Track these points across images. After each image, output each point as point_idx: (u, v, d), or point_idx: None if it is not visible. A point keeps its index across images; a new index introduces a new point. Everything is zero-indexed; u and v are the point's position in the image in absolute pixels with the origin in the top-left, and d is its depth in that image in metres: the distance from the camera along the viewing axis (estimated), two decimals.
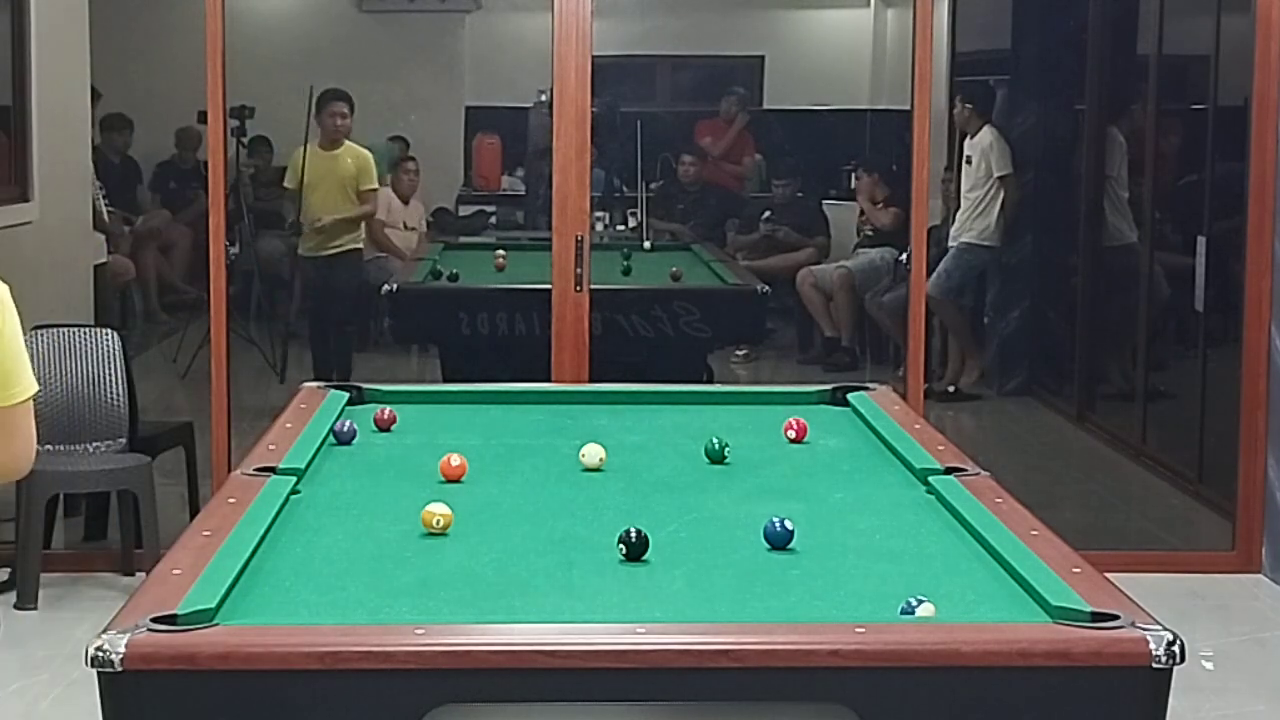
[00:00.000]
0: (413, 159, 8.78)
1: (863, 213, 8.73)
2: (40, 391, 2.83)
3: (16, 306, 2.90)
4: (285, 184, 8.45)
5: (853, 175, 8.92)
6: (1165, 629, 2.71)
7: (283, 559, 3.26)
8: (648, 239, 8.73)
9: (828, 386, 4.99)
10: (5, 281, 2.92)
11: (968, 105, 8.49)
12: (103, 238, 8.14)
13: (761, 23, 9.69)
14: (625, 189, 8.88)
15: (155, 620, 2.70)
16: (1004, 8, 9.27)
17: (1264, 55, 6.45)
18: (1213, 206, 7.39)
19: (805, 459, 4.29)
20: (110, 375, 6.28)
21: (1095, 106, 8.68)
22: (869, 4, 9.49)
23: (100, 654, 2.61)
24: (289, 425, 4.39)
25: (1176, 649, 2.67)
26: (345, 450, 4.30)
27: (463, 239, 8.97)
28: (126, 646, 2.62)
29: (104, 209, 8.13)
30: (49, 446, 6.15)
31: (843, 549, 3.39)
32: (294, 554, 3.30)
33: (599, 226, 8.33)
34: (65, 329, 6.32)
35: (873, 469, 4.14)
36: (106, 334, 6.38)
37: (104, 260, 8.16)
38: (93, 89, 8.03)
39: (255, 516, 3.43)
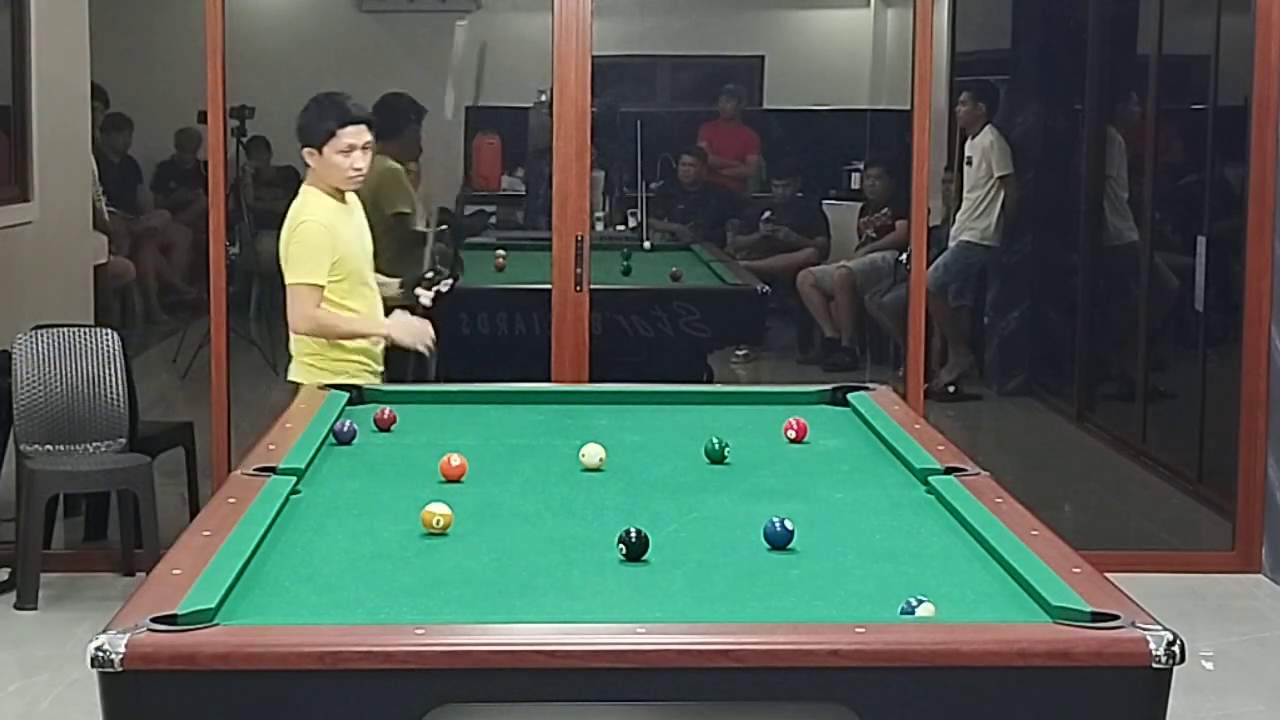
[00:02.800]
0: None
1: (868, 231, 8.73)
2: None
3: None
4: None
5: (860, 184, 8.91)
6: (1165, 629, 2.71)
7: (283, 559, 3.26)
8: (648, 239, 8.73)
9: (828, 386, 4.99)
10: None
11: (980, 104, 8.49)
12: (104, 238, 8.14)
13: (761, 23, 9.69)
14: (625, 189, 8.88)
15: (155, 620, 2.70)
16: (1004, 8, 9.27)
17: (1264, 55, 6.45)
18: (1213, 206, 7.39)
19: (805, 459, 4.28)
20: (110, 375, 6.27)
21: (1095, 106, 8.68)
22: (869, 4, 9.49)
23: (100, 654, 2.61)
24: (289, 425, 4.39)
25: (1176, 649, 2.67)
26: (345, 450, 4.30)
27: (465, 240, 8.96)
28: (126, 646, 2.62)
29: (104, 209, 8.12)
30: (49, 446, 6.16)
31: (843, 549, 3.39)
32: (294, 554, 3.30)
33: (599, 226, 8.33)
34: (65, 329, 6.32)
35: (873, 469, 4.14)
36: (106, 334, 6.37)
37: (104, 260, 8.16)
38: (98, 89, 8.04)
39: (255, 516, 3.43)
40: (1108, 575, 3.07)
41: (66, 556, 6.42)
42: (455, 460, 3.95)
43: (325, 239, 5.19)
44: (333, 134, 5.17)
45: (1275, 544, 6.49)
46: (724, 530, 3.53)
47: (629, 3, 8.99)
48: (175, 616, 2.74)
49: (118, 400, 6.28)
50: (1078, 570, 3.07)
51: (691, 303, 7.37)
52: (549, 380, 6.43)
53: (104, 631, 2.66)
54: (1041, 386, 8.88)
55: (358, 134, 5.19)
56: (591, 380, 6.44)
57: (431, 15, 9.24)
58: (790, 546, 3.34)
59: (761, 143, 9.29)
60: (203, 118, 6.54)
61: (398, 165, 7.02)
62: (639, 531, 3.27)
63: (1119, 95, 8.64)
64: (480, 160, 9.34)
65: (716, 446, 4.16)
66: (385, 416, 4.56)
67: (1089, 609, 2.81)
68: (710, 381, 7.44)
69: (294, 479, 3.80)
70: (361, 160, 5.20)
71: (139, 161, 9.08)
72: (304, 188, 5.29)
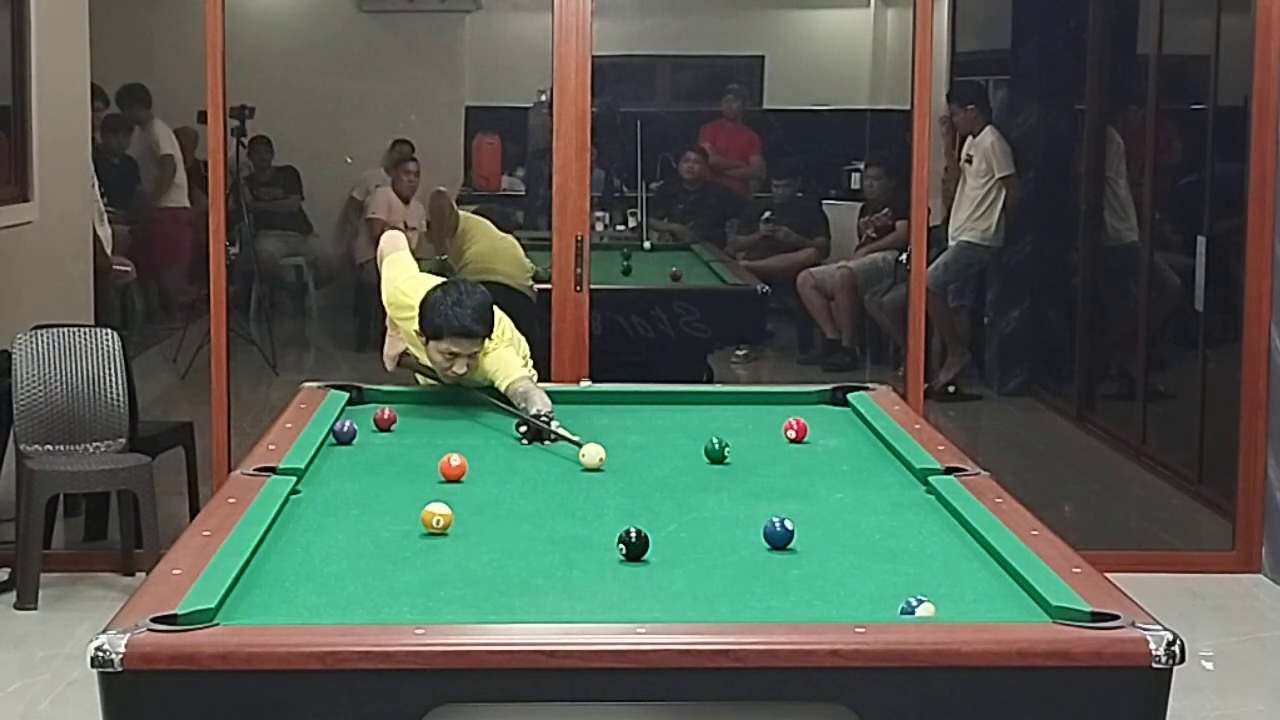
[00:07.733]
0: (414, 159, 8.78)
1: (868, 231, 8.73)
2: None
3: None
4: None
5: (860, 184, 8.90)
6: (1165, 629, 2.71)
7: (283, 559, 3.26)
8: (648, 239, 8.73)
9: (828, 386, 4.99)
10: None
11: (969, 107, 8.50)
12: (109, 233, 8.13)
13: (761, 23, 9.69)
14: (625, 189, 8.88)
15: (155, 620, 2.71)
16: (1004, 8, 9.27)
17: (1264, 55, 6.45)
18: (1213, 206, 7.38)
19: (805, 459, 4.29)
20: (110, 375, 6.27)
21: (1095, 106, 8.68)
22: (869, 4, 9.49)
23: (100, 654, 2.61)
24: (289, 425, 4.39)
25: (1176, 649, 2.67)
26: (345, 450, 4.30)
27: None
28: (126, 646, 2.62)
29: (103, 210, 8.10)
30: (49, 446, 6.16)
31: (843, 549, 3.39)
32: (294, 554, 3.30)
33: (599, 226, 8.33)
34: (65, 329, 6.31)
35: (873, 469, 4.14)
36: (106, 334, 6.37)
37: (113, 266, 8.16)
38: (99, 90, 8.03)
39: (255, 516, 3.44)
40: (1108, 575, 3.07)
41: (66, 556, 6.42)
42: (455, 460, 3.95)
43: (397, 289, 5.06)
44: (440, 337, 4.95)
45: (1275, 544, 6.49)
46: (724, 530, 3.53)
47: (629, 3, 8.98)
48: (175, 616, 2.74)
49: (118, 400, 6.28)
50: (1078, 570, 3.07)
51: (691, 303, 7.37)
52: (549, 380, 6.43)
53: (104, 631, 2.66)
54: (1041, 386, 8.87)
55: (462, 346, 4.85)
56: (592, 380, 6.43)
57: (431, 15, 9.24)
58: (790, 546, 3.34)
59: (761, 143, 9.28)
60: (203, 118, 6.54)
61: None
62: (639, 531, 3.27)
63: (1119, 95, 8.63)
64: (480, 160, 9.34)
65: (716, 446, 4.16)
66: (385, 416, 4.56)
67: (1089, 609, 2.81)
68: (710, 381, 7.44)
69: (294, 479, 3.80)
70: (461, 367, 4.86)
71: (139, 161, 9.07)
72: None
